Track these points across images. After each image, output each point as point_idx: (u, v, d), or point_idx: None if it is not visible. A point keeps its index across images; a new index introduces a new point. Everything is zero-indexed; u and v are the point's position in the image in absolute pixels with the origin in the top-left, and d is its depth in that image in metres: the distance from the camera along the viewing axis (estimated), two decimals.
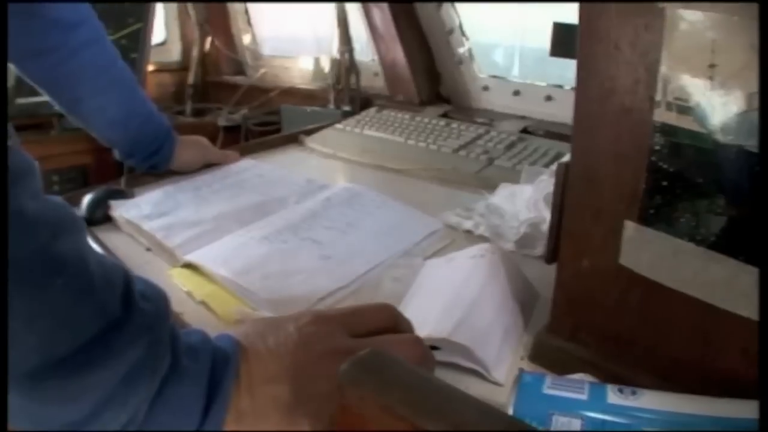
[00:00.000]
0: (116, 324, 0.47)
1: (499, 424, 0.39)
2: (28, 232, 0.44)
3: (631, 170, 0.54)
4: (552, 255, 0.65)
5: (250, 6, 2.40)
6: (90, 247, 0.49)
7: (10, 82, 1.56)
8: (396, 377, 0.43)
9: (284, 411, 0.54)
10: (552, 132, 1.51)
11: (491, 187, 1.13)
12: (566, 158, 0.61)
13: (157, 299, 0.53)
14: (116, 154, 1.35)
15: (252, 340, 0.58)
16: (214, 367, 0.53)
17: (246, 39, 2.46)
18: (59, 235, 0.46)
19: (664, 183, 0.52)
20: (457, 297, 0.72)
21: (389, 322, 0.63)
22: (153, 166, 1.35)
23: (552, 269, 0.66)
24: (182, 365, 0.52)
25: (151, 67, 2.06)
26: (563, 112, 1.56)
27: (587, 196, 0.59)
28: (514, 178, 1.15)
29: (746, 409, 0.47)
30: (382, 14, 1.77)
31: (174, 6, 2.42)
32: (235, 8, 2.43)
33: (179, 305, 0.82)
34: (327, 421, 0.54)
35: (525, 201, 0.98)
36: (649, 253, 0.55)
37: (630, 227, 0.55)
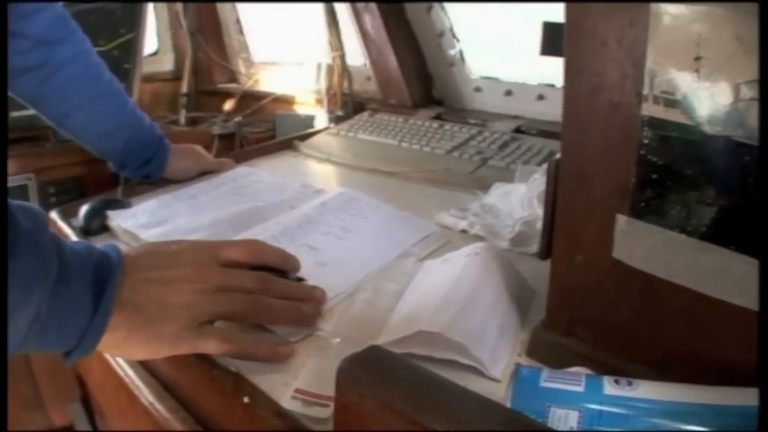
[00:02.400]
0: (10, 251, 0.57)
1: (497, 418, 0.39)
2: None
3: (621, 164, 0.55)
4: (546, 251, 0.66)
5: (242, 14, 2.40)
6: None
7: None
8: (394, 373, 0.44)
9: (158, 305, 0.68)
10: (545, 131, 1.52)
11: (485, 186, 1.14)
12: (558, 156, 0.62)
13: (35, 216, 0.62)
14: (110, 165, 1.36)
15: (136, 249, 0.74)
16: (98, 266, 0.66)
17: (238, 47, 2.46)
18: None
19: (654, 176, 0.53)
20: (452, 294, 0.72)
21: (255, 257, 0.78)
22: (147, 175, 1.36)
23: (547, 266, 0.67)
24: (69, 266, 0.63)
25: (143, 77, 2.07)
26: (555, 110, 1.55)
27: (579, 191, 0.59)
28: (507, 177, 1.16)
29: (743, 397, 0.47)
30: (372, 18, 1.77)
31: (165, 16, 2.42)
32: (226, 17, 2.43)
33: None
34: (192, 324, 0.69)
35: (519, 199, 0.99)
36: (642, 245, 0.55)
37: (622, 221, 0.56)
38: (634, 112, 0.53)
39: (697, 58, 0.48)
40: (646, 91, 0.51)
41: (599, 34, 0.53)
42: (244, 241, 0.80)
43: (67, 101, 1.23)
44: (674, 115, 0.50)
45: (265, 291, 0.75)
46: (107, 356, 0.96)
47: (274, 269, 0.79)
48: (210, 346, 0.70)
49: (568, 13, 0.56)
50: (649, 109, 0.52)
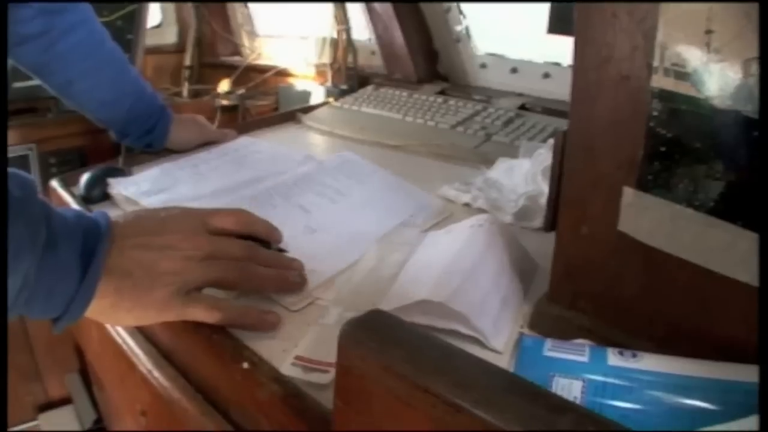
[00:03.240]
0: None
1: (502, 382, 0.39)
2: None
3: (630, 137, 0.54)
4: (551, 223, 0.65)
5: None
6: None
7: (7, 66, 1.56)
8: (396, 337, 0.44)
9: (146, 271, 0.69)
10: (550, 109, 1.51)
11: (489, 162, 1.13)
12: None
13: (24, 184, 0.62)
14: (112, 135, 1.36)
15: (125, 215, 0.74)
16: (87, 232, 0.66)
17: (241, 20, 2.45)
18: None
19: (663, 149, 0.52)
20: (455, 265, 0.72)
21: (243, 226, 0.79)
22: (148, 144, 1.36)
23: (551, 242, 0.66)
24: (58, 234, 0.63)
25: (147, 50, 2.06)
26: (561, 89, 1.56)
27: (586, 163, 0.59)
28: (512, 153, 1.15)
29: (747, 373, 0.47)
30: None
31: None
32: None
33: None
34: (181, 291, 0.70)
35: (523, 175, 0.98)
36: (648, 219, 0.55)
37: (629, 193, 0.55)
38: (643, 84, 0.52)
39: (708, 32, 0.47)
40: (656, 63, 0.51)
41: (610, 4, 0.53)
42: (234, 210, 0.80)
43: (69, 69, 1.23)
44: (684, 88, 0.49)
45: (252, 259, 0.76)
46: (107, 325, 0.96)
47: (257, 239, 0.79)
48: (197, 313, 0.71)
49: None
50: (659, 82, 0.51)
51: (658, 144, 0.52)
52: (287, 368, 0.64)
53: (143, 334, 0.89)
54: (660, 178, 0.53)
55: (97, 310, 0.67)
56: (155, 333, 0.86)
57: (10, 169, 0.61)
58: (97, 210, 0.72)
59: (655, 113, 0.52)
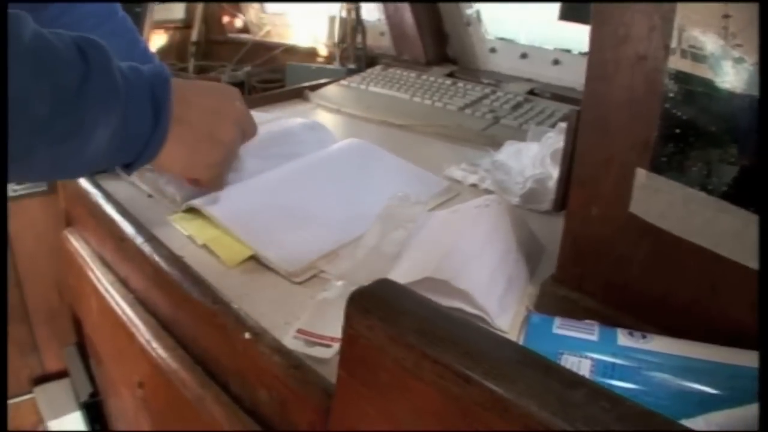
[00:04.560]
0: (84, 76, 0.65)
1: (512, 354, 0.38)
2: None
3: (644, 117, 0.53)
4: (561, 203, 0.64)
5: None
6: (37, 26, 0.63)
7: None
8: (405, 307, 0.43)
9: (208, 131, 0.83)
10: (559, 95, 1.50)
11: (497, 144, 1.13)
12: None
13: (96, 43, 0.69)
14: None
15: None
16: (154, 80, 0.76)
17: None
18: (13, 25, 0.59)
19: (677, 131, 0.51)
20: (461, 243, 0.72)
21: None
22: None
23: (557, 225, 0.66)
24: (131, 82, 0.72)
25: (154, 24, 2.04)
26: (571, 76, 1.55)
27: (599, 142, 0.58)
28: (519, 137, 1.14)
29: (756, 359, 0.47)
30: None
31: None
32: None
33: (181, 250, 0.83)
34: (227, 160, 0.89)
35: (531, 158, 0.98)
36: (660, 201, 0.54)
37: (642, 175, 0.55)
38: (660, 65, 0.51)
39: (726, 16, 0.46)
40: (674, 44, 0.50)
41: None
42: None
43: None
44: (701, 71, 0.49)
45: None
46: (105, 293, 0.96)
47: None
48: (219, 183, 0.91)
49: None
50: (676, 63, 0.50)
51: (673, 126, 0.52)
52: (289, 341, 0.64)
53: (143, 304, 0.88)
54: (674, 161, 0.52)
55: (162, 153, 0.78)
56: (156, 303, 0.86)
57: (80, 36, 0.68)
58: (157, 63, 0.87)
59: (671, 95, 0.51)
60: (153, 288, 0.85)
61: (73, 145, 0.66)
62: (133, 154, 0.75)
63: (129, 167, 0.77)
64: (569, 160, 0.62)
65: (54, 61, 0.63)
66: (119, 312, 0.91)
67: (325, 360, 0.61)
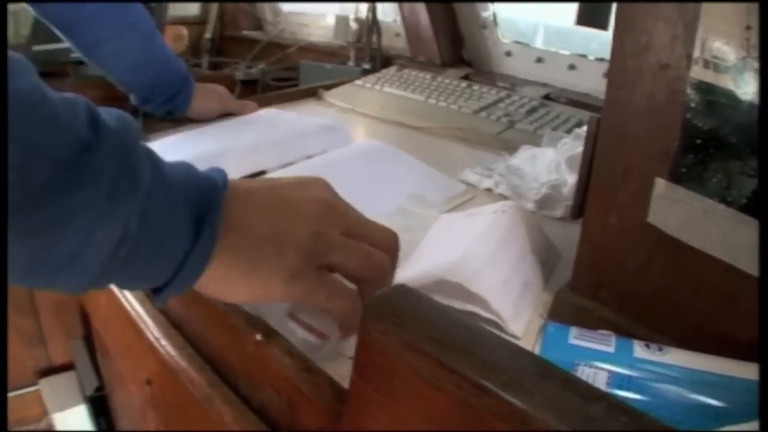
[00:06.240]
0: (88, 146, 0.45)
1: (531, 365, 0.38)
2: None
3: (665, 126, 0.53)
4: (578, 210, 0.64)
5: None
6: (44, 84, 0.46)
7: (27, 29, 1.56)
8: (422, 313, 0.43)
9: (275, 232, 0.55)
10: (575, 100, 1.49)
11: (511, 149, 1.13)
12: None
13: (123, 119, 0.49)
14: (132, 99, 1.35)
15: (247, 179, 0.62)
16: (200, 183, 0.53)
17: None
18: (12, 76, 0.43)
19: (698, 141, 0.51)
20: (476, 247, 0.71)
21: (387, 247, 0.62)
22: (170, 111, 1.36)
23: (572, 232, 0.65)
24: (166, 177, 0.51)
25: (168, 20, 2.05)
26: (586, 82, 1.55)
27: (618, 150, 0.57)
28: (534, 141, 1.14)
29: None
30: None
31: None
32: None
33: None
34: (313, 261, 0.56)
35: (546, 164, 0.97)
36: (679, 212, 0.54)
37: (661, 185, 0.54)
38: (682, 74, 0.51)
39: (748, 27, 0.46)
40: (696, 54, 0.50)
41: None
42: (385, 229, 0.64)
43: (98, 30, 1.23)
44: (723, 81, 0.48)
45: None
46: (116, 290, 0.95)
47: None
48: (321, 297, 0.58)
49: None
50: (698, 73, 0.50)
51: (694, 136, 0.51)
52: (280, 322, 0.65)
53: (153, 301, 0.88)
54: (694, 171, 0.52)
55: (208, 274, 0.53)
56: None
57: (106, 108, 0.50)
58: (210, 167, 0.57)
59: (692, 104, 0.50)
60: None
61: (49, 239, 0.44)
62: (159, 272, 0.52)
63: (158, 292, 0.54)
64: (588, 167, 0.61)
65: (45, 121, 0.44)
66: (128, 308, 0.90)
67: (327, 356, 0.62)
